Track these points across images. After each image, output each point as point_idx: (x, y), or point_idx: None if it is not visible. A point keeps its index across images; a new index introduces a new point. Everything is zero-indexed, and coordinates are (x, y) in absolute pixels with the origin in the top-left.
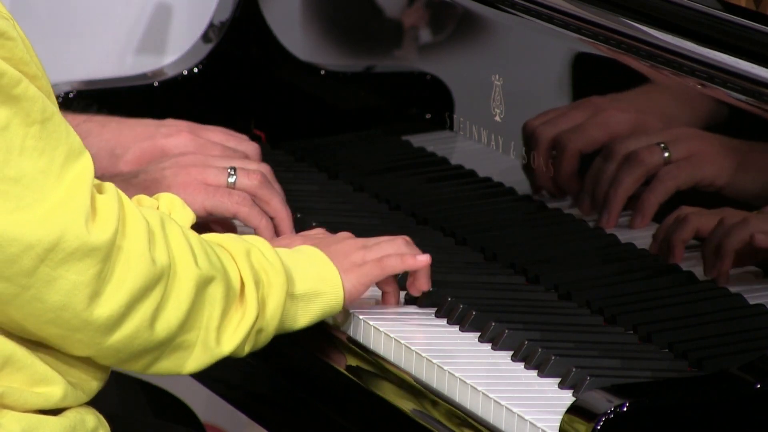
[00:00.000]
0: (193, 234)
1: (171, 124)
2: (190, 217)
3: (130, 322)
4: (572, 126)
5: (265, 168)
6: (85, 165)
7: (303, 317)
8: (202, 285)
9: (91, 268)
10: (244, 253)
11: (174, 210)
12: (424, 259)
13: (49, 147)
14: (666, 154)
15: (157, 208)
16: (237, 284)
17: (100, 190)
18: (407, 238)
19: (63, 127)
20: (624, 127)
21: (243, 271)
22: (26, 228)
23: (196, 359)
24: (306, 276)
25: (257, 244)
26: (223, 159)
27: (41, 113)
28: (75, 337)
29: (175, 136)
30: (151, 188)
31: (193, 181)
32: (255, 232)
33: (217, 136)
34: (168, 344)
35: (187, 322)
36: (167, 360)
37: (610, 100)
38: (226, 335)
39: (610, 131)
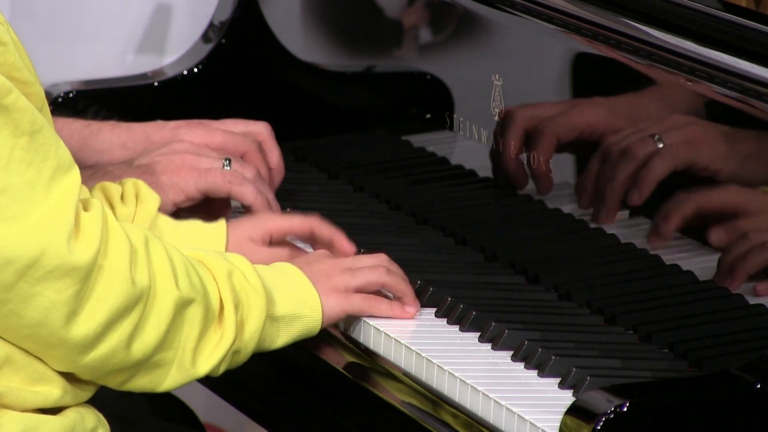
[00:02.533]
0: (176, 252)
1: (179, 121)
2: (155, 201)
3: (107, 343)
4: (571, 126)
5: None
6: (73, 180)
7: (281, 338)
8: (182, 307)
9: (71, 288)
10: (225, 274)
11: (140, 193)
12: (411, 312)
13: (38, 159)
14: (663, 153)
15: (122, 193)
16: (216, 306)
17: (85, 207)
18: (386, 259)
19: (53, 140)
20: (624, 128)
21: (223, 293)
22: (8, 242)
23: (172, 378)
24: (287, 298)
25: (239, 265)
26: (218, 153)
27: (31, 125)
28: (51, 353)
29: (184, 127)
30: (144, 174)
31: (186, 166)
32: (250, 209)
33: (227, 125)
34: (144, 363)
35: (164, 343)
36: (143, 378)
37: (610, 100)
38: (203, 357)
39: (610, 132)
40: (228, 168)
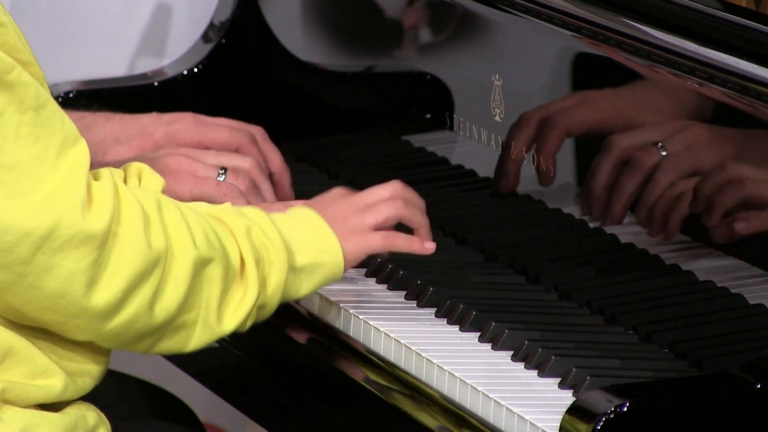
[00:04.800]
0: (191, 213)
1: (174, 114)
2: (159, 183)
3: (129, 308)
4: (572, 126)
5: (255, 164)
6: (81, 152)
7: (305, 287)
8: (200, 266)
9: (88, 256)
10: (244, 230)
11: (143, 176)
12: (430, 247)
13: (44, 134)
14: (664, 153)
15: (125, 177)
16: (237, 263)
17: (95, 177)
18: (401, 186)
19: (58, 114)
20: (624, 128)
21: (243, 250)
22: (22, 216)
23: (198, 338)
24: (307, 247)
25: (257, 219)
26: (215, 156)
27: (35, 100)
28: (73, 323)
29: (177, 122)
30: None
31: (184, 170)
32: None
33: (221, 120)
34: (168, 326)
35: (185, 304)
36: (170, 340)
37: (610, 100)
38: (228, 314)
39: (610, 131)
40: (223, 177)
